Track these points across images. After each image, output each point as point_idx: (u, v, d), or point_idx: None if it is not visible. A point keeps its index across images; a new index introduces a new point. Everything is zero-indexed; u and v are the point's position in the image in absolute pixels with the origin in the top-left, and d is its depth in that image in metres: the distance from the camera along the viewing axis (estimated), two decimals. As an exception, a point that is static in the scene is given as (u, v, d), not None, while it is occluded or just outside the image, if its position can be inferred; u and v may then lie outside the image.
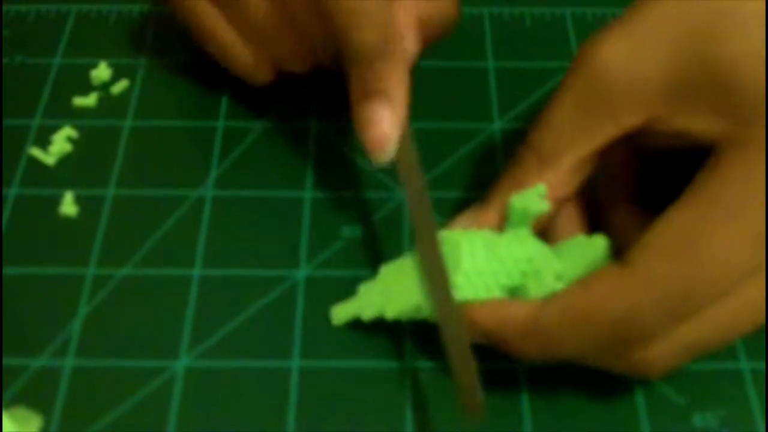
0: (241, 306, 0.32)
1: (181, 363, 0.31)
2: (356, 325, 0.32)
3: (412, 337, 0.31)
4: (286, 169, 0.36)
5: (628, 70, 0.27)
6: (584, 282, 0.27)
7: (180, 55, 0.40)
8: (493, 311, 0.28)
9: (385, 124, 0.31)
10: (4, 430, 0.28)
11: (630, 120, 0.28)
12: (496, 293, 0.29)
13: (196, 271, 0.33)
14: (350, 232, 0.34)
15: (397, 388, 0.30)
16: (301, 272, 0.33)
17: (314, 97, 0.39)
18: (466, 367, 0.27)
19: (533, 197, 0.29)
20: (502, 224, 0.30)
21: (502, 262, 0.29)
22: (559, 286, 0.28)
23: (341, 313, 0.32)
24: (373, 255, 0.34)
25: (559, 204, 0.30)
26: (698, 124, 0.27)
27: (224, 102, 0.39)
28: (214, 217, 0.35)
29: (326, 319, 0.32)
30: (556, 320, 0.27)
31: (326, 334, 0.31)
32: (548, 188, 0.29)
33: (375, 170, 0.36)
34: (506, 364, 0.31)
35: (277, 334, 0.31)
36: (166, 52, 0.41)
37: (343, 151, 0.37)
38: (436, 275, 0.29)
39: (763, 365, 0.31)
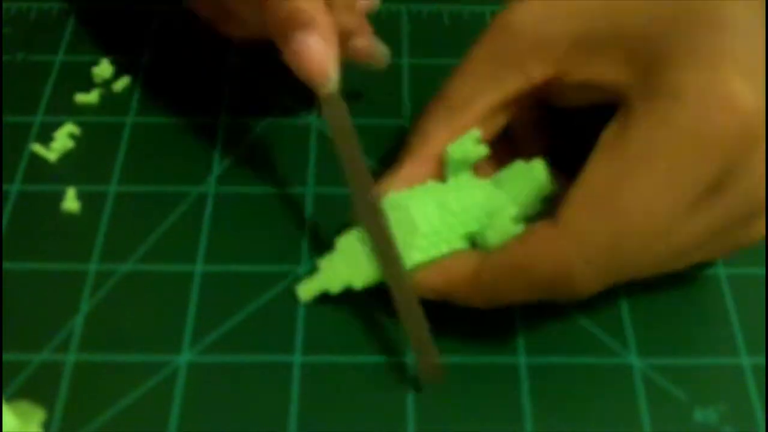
0: (243, 301, 0.32)
1: (184, 358, 0.31)
2: (358, 320, 0.32)
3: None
4: (288, 165, 0.36)
5: (538, 28, 0.29)
6: (521, 238, 0.28)
7: (182, 52, 0.40)
8: (439, 272, 0.30)
9: (319, 50, 0.30)
10: (6, 424, 0.28)
11: (538, 72, 0.29)
12: (457, 245, 0.30)
13: (198, 267, 0.33)
14: (352, 227, 0.34)
15: (399, 384, 0.30)
16: (304, 268, 0.33)
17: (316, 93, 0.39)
18: (419, 330, 0.29)
19: (469, 143, 0.30)
20: (433, 174, 0.31)
21: (455, 214, 0.30)
22: (516, 228, 0.29)
23: (307, 289, 0.32)
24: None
25: None
26: (606, 73, 0.28)
27: (226, 98, 0.39)
28: (216, 214, 0.35)
29: (329, 314, 0.32)
30: (496, 276, 0.28)
31: (328, 329, 0.31)
32: (458, 136, 0.31)
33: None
34: (507, 359, 0.31)
35: (279, 330, 0.31)
36: (167, 49, 0.41)
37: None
38: (380, 241, 0.30)
39: (763, 360, 0.31)
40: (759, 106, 0.25)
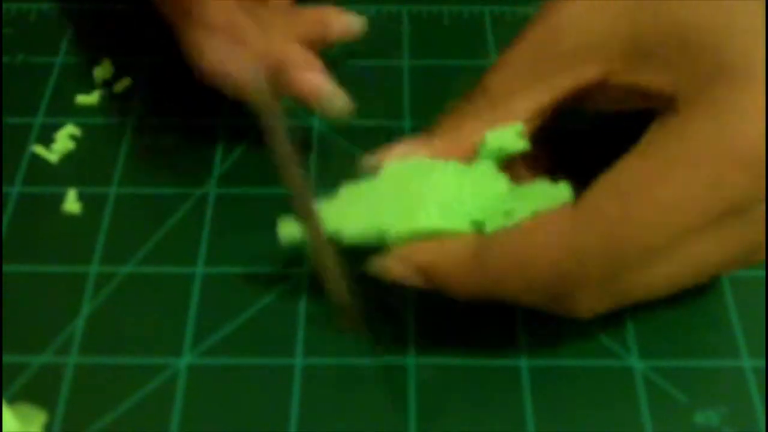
0: (244, 304, 0.32)
1: (184, 360, 0.31)
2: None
3: (416, 335, 0.31)
4: (289, 167, 0.36)
5: (587, 25, 0.28)
6: (532, 223, 0.27)
7: (182, 53, 0.40)
8: (432, 249, 0.28)
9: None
10: (7, 427, 0.28)
11: (587, 72, 0.28)
12: (464, 226, 0.28)
13: (199, 269, 0.33)
14: (353, 229, 0.34)
15: (399, 386, 0.30)
16: (305, 270, 0.33)
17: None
18: (336, 282, 0.29)
19: (511, 135, 0.29)
20: (451, 156, 0.30)
21: (472, 195, 0.29)
22: None
23: (289, 228, 0.30)
24: (377, 252, 0.33)
25: None
26: (654, 79, 0.27)
27: (227, 99, 0.38)
28: (216, 215, 0.35)
29: (330, 316, 0.32)
30: (499, 262, 0.26)
31: (330, 331, 0.31)
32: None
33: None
34: (509, 361, 0.31)
35: (280, 332, 0.31)
36: (168, 50, 0.40)
37: (346, 149, 0.37)
38: (299, 192, 0.29)
39: (764, 363, 0.31)
40: None
